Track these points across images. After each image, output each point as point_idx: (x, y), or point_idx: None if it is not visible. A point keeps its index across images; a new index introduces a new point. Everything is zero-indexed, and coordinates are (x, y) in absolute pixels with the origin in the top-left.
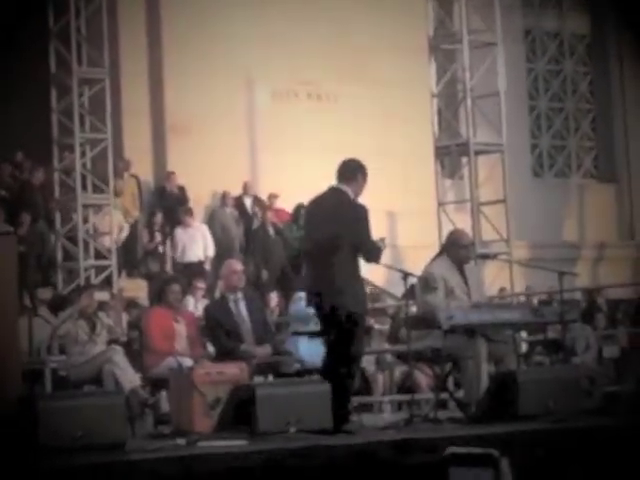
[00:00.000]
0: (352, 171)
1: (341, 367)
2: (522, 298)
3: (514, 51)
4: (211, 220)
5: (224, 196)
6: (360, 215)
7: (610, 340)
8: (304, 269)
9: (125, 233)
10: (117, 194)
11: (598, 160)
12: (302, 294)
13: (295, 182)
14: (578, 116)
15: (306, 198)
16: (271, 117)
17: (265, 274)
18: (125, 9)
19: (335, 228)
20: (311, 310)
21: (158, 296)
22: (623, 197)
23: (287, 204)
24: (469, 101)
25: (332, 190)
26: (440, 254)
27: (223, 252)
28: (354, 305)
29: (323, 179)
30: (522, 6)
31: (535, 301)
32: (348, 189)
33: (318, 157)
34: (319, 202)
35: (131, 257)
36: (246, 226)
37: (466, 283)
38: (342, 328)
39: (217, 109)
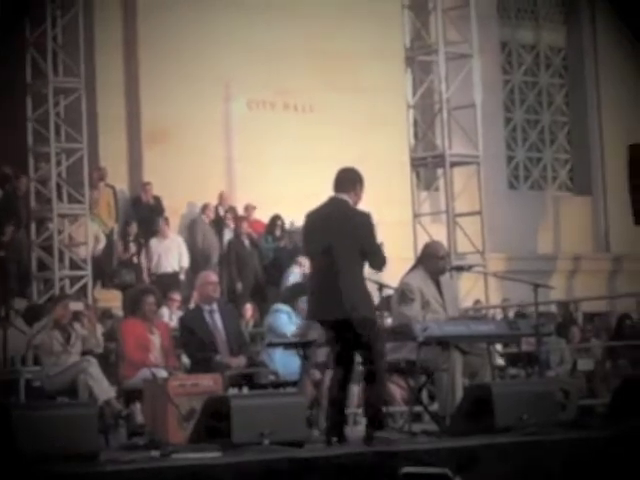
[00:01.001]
0: (351, 181)
1: (366, 374)
2: (497, 310)
3: (490, 63)
4: (192, 230)
5: (204, 207)
6: (366, 222)
7: (585, 353)
8: (310, 279)
9: (102, 244)
10: (92, 205)
11: (574, 172)
12: (279, 306)
13: (271, 193)
14: (554, 128)
15: (282, 209)
16: (248, 127)
17: (240, 285)
18: (101, 18)
19: (342, 237)
20: (288, 323)
21: (132, 307)
22: (598, 209)
23: (262, 215)
24: (445, 113)
25: (333, 200)
26: (416, 266)
27: (202, 263)
28: (366, 311)
29: (299, 190)
30: (498, 18)
31: (512, 314)
32: (348, 198)
33: (294, 167)
34: (321, 212)
35: (106, 268)
36: (221, 237)
37: (441, 295)
38: (358, 335)
39: (193, 118)
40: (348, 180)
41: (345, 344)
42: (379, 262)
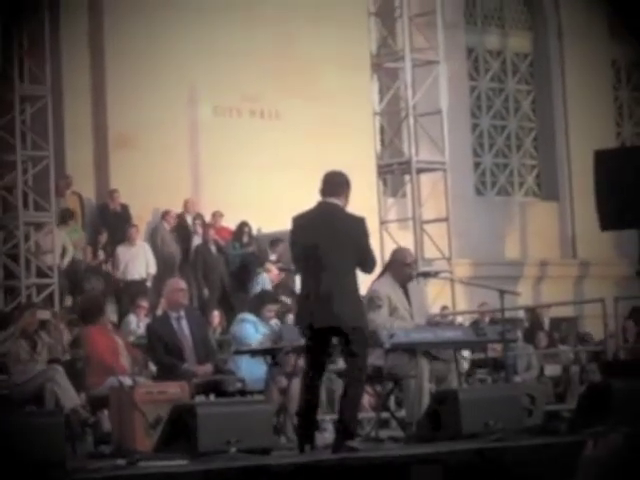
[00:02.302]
0: (341, 185)
1: (346, 383)
2: (461, 316)
3: (457, 69)
4: (152, 237)
5: (165, 213)
6: (362, 227)
7: (552, 359)
8: (301, 284)
9: (69, 256)
10: (61, 220)
11: (540, 178)
12: (244, 316)
13: (237, 199)
14: (520, 134)
15: (248, 215)
16: (214, 133)
17: (206, 292)
18: (67, 25)
19: (338, 242)
20: (253, 333)
21: (94, 313)
22: (565, 215)
23: (229, 222)
24: (411, 119)
25: (324, 204)
26: (384, 273)
27: (164, 270)
28: (353, 320)
29: (266, 196)
30: (465, 24)
31: (487, 319)
32: (337, 201)
33: (261, 174)
34: (311, 216)
35: (75, 276)
36: (187, 244)
37: (409, 301)
38: (347, 343)
39: (160, 125)
40: (338, 184)
41: (324, 351)
42: (372, 266)
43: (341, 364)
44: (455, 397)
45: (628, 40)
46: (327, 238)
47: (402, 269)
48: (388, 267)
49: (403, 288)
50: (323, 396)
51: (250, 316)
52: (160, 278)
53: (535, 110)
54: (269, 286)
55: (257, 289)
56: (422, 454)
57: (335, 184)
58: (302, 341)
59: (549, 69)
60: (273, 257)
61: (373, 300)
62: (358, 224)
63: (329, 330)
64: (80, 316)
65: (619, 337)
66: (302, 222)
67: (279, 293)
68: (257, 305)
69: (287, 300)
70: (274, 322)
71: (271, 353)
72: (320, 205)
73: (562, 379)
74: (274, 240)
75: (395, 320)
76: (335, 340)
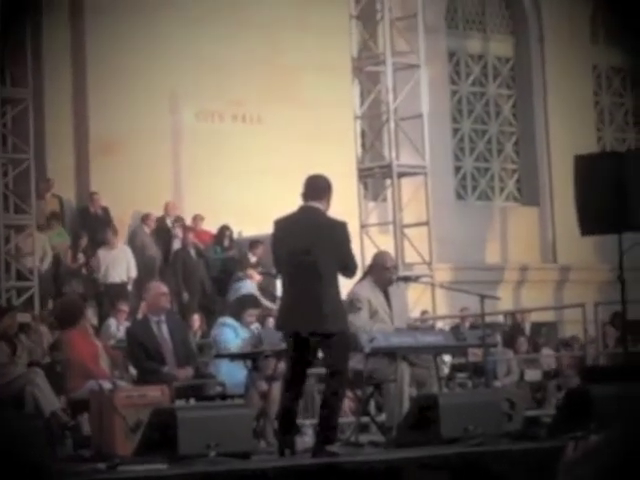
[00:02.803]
0: (323, 189)
1: (327, 387)
2: (442, 321)
3: (438, 73)
4: (132, 240)
5: (145, 217)
6: (344, 232)
7: (532, 364)
8: (283, 288)
9: (49, 260)
10: (41, 226)
11: (521, 183)
12: (225, 320)
13: (219, 203)
14: (501, 139)
15: (230, 219)
16: (196, 137)
17: (186, 296)
18: (49, 29)
19: (320, 246)
20: (233, 337)
21: (74, 317)
22: (546, 220)
23: (210, 225)
24: (392, 123)
25: (306, 209)
26: (365, 276)
27: (143, 273)
28: (336, 325)
29: (247, 200)
30: (446, 28)
31: (467, 324)
32: (319, 205)
33: (242, 178)
34: (293, 220)
35: (55, 279)
36: (167, 247)
37: (389, 305)
38: (329, 348)
39: (141, 129)
40: (319, 188)
41: (306, 355)
42: (353, 271)
43: (322, 368)
44: (435, 402)
45: (609, 45)
46: (309, 243)
47: (383, 273)
48: (369, 271)
49: (384, 292)
50: (303, 400)
51: (230, 320)
52: (140, 281)
53: (516, 115)
54: (254, 291)
55: (240, 293)
56: (402, 459)
57: (317, 188)
58: (282, 345)
59: (530, 74)
60: (253, 260)
61: (353, 303)
62: (340, 229)
63: (311, 335)
64: (59, 319)
65: (599, 342)
66: (284, 226)
67: (260, 297)
68: (238, 309)
69: (268, 304)
70: (254, 326)
71: (251, 357)
72: (302, 209)
73: (542, 384)
74: (253, 242)
75: (375, 323)
76: (317, 345)
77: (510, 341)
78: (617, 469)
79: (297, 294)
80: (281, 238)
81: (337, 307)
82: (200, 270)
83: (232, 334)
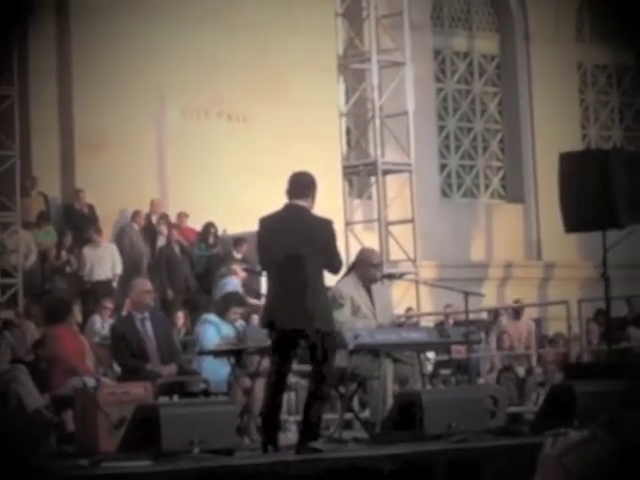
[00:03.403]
0: (307, 186)
1: (312, 384)
2: (426, 317)
3: (423, 71)
4: (120, 237)
5: (135, 214)
6: (329, 229)
7: (515, 360)
8: (268, 287)
9: (33, 258)
10: (28, 224)
11: (506, 180)
12: (208, 316)
13: (204, 200)
14: (487, 136)
15: (215, 216)
16: (181, 135)
17: (170, 293)
18: (35, 26)
19: (306, 245)
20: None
21: (60, 314)
22: (530, 217)
23: (195, 223)
24: (378, 120)
25: (291, 207)
26: (348, 272)
27: (131, 270)
28: (322, 323)
29: (232, 197)
30: (432, 26)
31: (451, 321)
32: (305, 203)
33: (227, 176)
34: (279, 219)
35: (41, 276)
36: (153, 244)
37: (372, 302)
38: (314, 346)
39: (126, 126)
40: (304, 185)
41: (290, 353)
42: (338, 267)
43: (306, 365)
44: (418, 398)
45: (595, 43)
46: (294, 241)
47: (368, 270)
48: (354, 267)
49: (367, 289)
50: (286, 398)
51: (213, 317)
52: (127, 279)
53: (501, 112)
54: (239, 288)
55: (225, 290)
56: (386, 455)
57: (301, 186)
58: (266, 342)
59: (516, 71)
60: (238, 257)
61: (335, 299)
62: (325, 226)
63: (297, 332)
64: (47, 315)
65: (583, 339)
66: (269, 224)
67: (244, 294)
68: (223, 307)
69: (252, 301)
70: (239, 323)
71: (235, 354)
72: (287, 207)
73: (525, 381)
74: (238, 239)
75: (357, 320)
76: (302, 342)
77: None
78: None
79: (283, 292)
80: (266, 236)
81: (323, 305)
82: (184, 267)
83: (213, 331)
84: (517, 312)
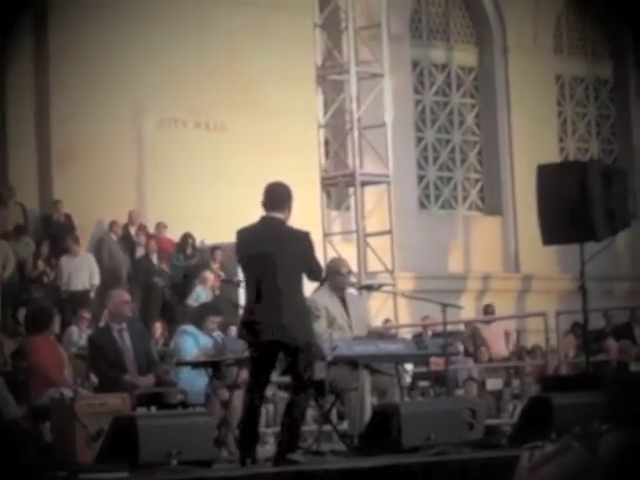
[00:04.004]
0: (283, 198)
1: (291, 396)
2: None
3: (402, 82)
4: (98, 248)
5: (112, 224)
6: (307, 241)
7: (493, 372)
8: (248, 299)
9: (10, 269)
10: (6, 234)
11: (484, 192)
12: (185, 327)
13: (182, 211)
14: (465, 148)
15: (192, 227)
16: (158, 145)
17: (148, 303)
18: (12, 36)
19: (284, 257)
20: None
21: (41, 324)
22: (508, 229)
23: (173, 233)
24: (356, 132)
25: (268, 220)
26: (322, 284)
27: (110, 281)
28: (301, 335)
29: (209, 208)
30: (410, 38)
31: (429, 333)
32: (282, 216)
33: (205, 186)
34: (256, 232)
35: (18, 286)
36: (131, 255)
37: (347, 313)
38: (294, 358)
39: (104, 137)
40: (280, 197)
41: (270, 365)
42: (318, 274)
43: (284, 377)
44: (397, 410)
45: (573, 56)
46: (272, 253)
47: (337, 278)
48: (325, 278)
49: (341, 299)
50: (264, 410)
51: (191, 328)
52: (106, 289)
53: (479, 124)
54: (207, 298)
55: (201, 300)
56: (364, 467)
57: (277, 197)
58: (244, 353)
59: (494, 83)
60: (215, 267)
61: (311, 311)
62: (303, 238)
63: (276, 344)
64: (28, 325)
65: (560, 351)
66: (247, 236)
67: (221, 304)
68: (199, 317)
69: (230, 311)
70: (217, 334)
71: (213, 365)
72: (264, 220)
73: (503, 393)
74: (213, 247)
75: (333, 331)
76: (281, 353)
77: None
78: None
79: (261, 304)
80: (244, 248)
81: (302, 317)
82: (162, 278)
83: (192, 341)
84: (488, 314)
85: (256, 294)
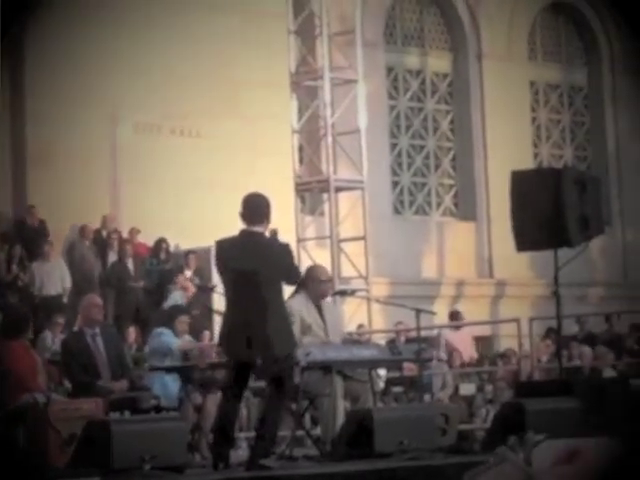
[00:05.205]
0: (262, 210)
1: (268, 403)
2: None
3: (376, 88)
4: (70, 253)
5: (83, 229)
6: (288, 255)
7: (467, 378)
8: (226, 310)
9: None
10: None
11: (458, 198)
12: (160, 330)
13: (156, 216)
14: (439, 154)
15: (166, 232)
16: (133, 151)
17: (122, 308)
18: None
19: (263, 269)
20: (167, 345)
21: (16, 329)
22: (482, 235)
23: (147, 238)
24: (330, 138)
25: (248, 234)
26: (298, 290)
27: (82, 286)
28: (282, 348)
29: (184, 213)
30: (385, 44)
31: (403, 338)
32: (262, 229)
33: (179, 191)
34: (237, 245)
35: None
36: (104, 260)
37: (323, 319)
38: (271, 368)
39: (79, 142)
40: (260, 209)
41: (247, 372)
42: (297, 280)
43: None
44: (370, 416)
45: (547, 62)
46: (255, 271)
47: (317, 286)
48: (303, 284)
49: (317, 306)
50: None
51: (166, 330)
52: (78, 294)
53: (454, 130)
54: (182, 301)
55: (169, 305)
56: (337, 473)
57: (257, 210)
58: (217, 359)
59: (468, 89)
60: (188, 272)
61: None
62: (284, 252)
63: (254, 353)
64: (4, 330)
65: (533, 357)
66: (227, 250)
67: (192, 308)
68: (168, 319)
69: (205, 316)
70: (187, 337)
71: (187, 370)
72: (244, 235)
73: (475, 398)
74: (187, 252)
75: (307, 337)
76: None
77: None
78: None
79: (241, 317)
80: (225, 261)
81: (283, 330)
82: (137, 283)
83: (167, 344)
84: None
85: (236, 306)
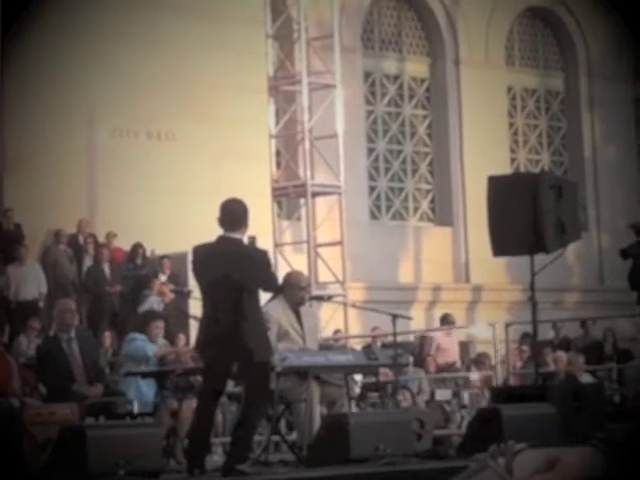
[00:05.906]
0: (240, 217)
1: (245, 409)
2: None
3: (353, 93)
4: (44, 258)
5: (58, 233)
6: (266, 262)
7: (442, 383)
8: (202, 317)
9: None
10: None
11: (435, 203)
12: (134, 335)
13: (132, 220)
14: (416, 159)
15: (143, 237)
16: (110, 155)
17: (97, 313)
18: None
19: (241, 276)
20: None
21: None
22: (459, 240)
23: (123, 243)
24: (307, 142)
25: (226, 241)
26: (276, 295)
27: (57, 291)
28: (260, 355)
29: (160, 218)
30: (362, 49)
31: (379, 343)
32: (239, 235)
33: (156, 196)
34: (214, 251)
35: None
36: (80, 264)
37: (301, 325)
38: (249, 374)
39: (55, 146)
40: (238, 216)
41: (224, 378)
42: (274, 288)
43: (235, 388)
44: (345, 421)
45: (524, 67)
46: (233, 279)
47: (296, 293)
48: (281, 290)
49: (295, 311)
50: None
51: (139, 335)
52: (53, 299)
53: (431, 135)
54: (158, 307)
55: (143, 310)
56: (313, 478)
57: (234, 216)
58: (193, 364)
59: (445, 94)
60: (163, 278)
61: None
62: (262, 260)
63: (232, 360)
64: None
65: (509, 362)
66: (204, 253)
67: (169, 313)
68: (142, 324)
69: (180, 321)
70: (162, 342)
71: (162, 375)
72: (222, 242)
73: (451, 403)
74: (162, 257)
75: (284, 343)
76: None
77: (421, 361)
78: None
79: (219, 324)
80: (202, 268)
81: (260, 337)
82: (113, 287)
83: (142, 349)
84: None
85: (213, 312)
